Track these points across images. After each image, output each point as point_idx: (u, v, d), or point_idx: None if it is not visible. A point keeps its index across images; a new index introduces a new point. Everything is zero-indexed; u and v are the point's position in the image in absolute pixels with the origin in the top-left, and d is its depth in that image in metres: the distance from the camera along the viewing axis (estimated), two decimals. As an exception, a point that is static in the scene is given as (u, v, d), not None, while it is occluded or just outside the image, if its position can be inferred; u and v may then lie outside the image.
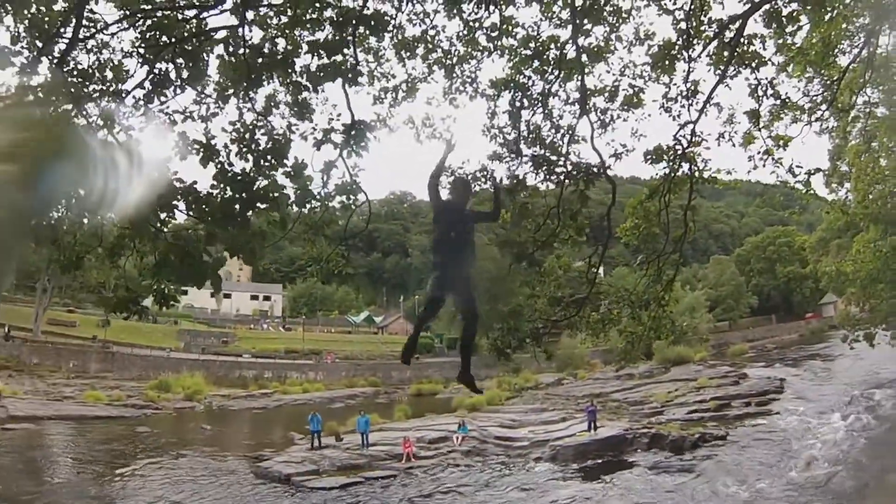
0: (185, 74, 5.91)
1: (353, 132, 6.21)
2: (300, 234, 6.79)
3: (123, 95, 6.08)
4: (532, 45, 9.49)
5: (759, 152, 10.41)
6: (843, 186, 25.04)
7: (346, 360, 63.91)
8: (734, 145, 10.53)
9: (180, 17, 6.25)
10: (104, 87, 6.24)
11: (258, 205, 5.57)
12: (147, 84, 5.80)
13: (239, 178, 5.48)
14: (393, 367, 61.38)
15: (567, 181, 9.46)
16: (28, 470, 21.13)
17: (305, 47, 6.32)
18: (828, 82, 12.13)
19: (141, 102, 5.87)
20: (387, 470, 22.18)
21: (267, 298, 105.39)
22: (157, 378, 43.30)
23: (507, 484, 20.74)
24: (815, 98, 12.27)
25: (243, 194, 5.43)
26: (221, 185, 5.43)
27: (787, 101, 10.45)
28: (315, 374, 57.17)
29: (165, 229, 5.42)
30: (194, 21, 6.27)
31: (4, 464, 21.42)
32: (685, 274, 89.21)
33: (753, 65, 9.72)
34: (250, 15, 6.21)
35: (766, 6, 9.26)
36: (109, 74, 6.28)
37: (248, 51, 6.00)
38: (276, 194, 5.59)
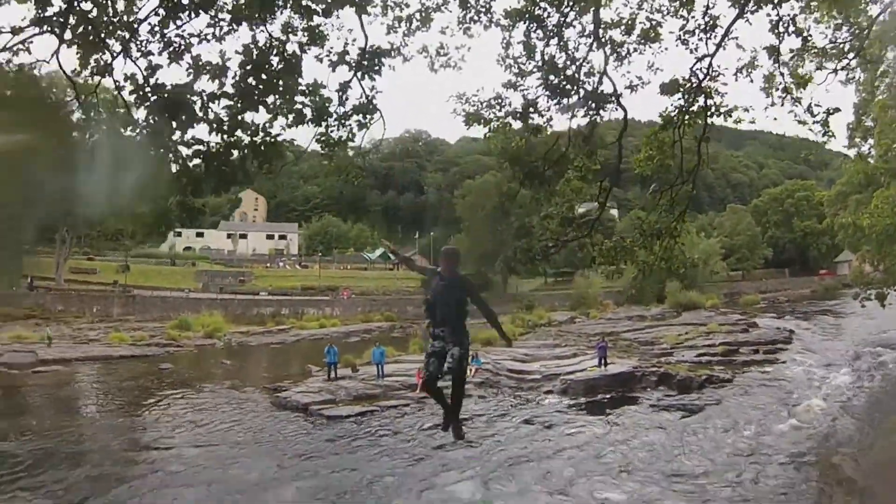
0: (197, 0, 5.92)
1: (367, 55, 6.27)
2: (321, 148, 6.83)
3: (138, 24, 6.12)
4: (548, -25, 9.30)
5: (777, 88, 10.29)
6: (866, 141, 24.56)
7: (362, 295, 64.88)
8: (752, 81, 10.41)
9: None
10: (118, 17, 6.27)
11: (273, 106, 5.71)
12: (161, 10, 5.83)
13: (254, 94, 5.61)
14: (408, 302, 62.31)
15: (579, 108, 9.46)
16: (60, 407, 22.04)
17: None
18: (856, 31, 11.75)
19: (156, 28, 5.91)
20: (401, 400, 22.79)
21: (283, 237, 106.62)
22: (178, 318, 44.33)
23: (519, 415, 21.34)
24: (841, 46, 11.91)
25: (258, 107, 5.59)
26: (238, 102, 5.56)
27: (808, 38, 10.23)
28: (331, 309, 58.16)
29: (187, 147, 5.57)
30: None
31: (38, 403, 22.32)
32: (700, 221, 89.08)
33: (775, 0, 9.50)
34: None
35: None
36: (122, 5, 6.29)
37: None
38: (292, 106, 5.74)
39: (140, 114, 5.75)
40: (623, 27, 10.04)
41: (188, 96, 5.46)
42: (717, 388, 23.31)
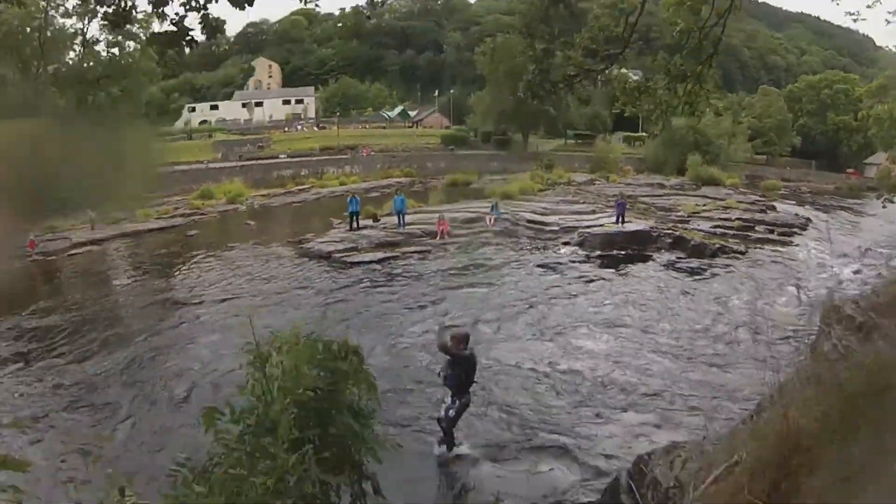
0: None
1: None
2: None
3: None
4: None
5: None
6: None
7: (382, 153, 64.85)
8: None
9: None
10: None
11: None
12: None
13: None
14: (428, 158, 62.94)
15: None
16: (98, 280, 22.69)
17: None
18: None
19: None
20: (422, 246, 23.61)
21: (299, 102, 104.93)
22: (199, 188, 44.50)
23: (534, 261, 22.09)
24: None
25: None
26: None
27: None
28: (351, 167, 58.48)
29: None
30: None
31: (76, 281, 22.86)
32: (730, 99, 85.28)
33: None
34: None
35: None
36: None
37: None
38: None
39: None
40: None
41: None
42: (728, 259, 23.34)
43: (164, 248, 27.77)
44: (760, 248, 26.35)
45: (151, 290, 20.19)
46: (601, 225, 26.59)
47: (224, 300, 17.94)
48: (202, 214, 37.91)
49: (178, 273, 22.55)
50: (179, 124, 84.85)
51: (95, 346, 14.42)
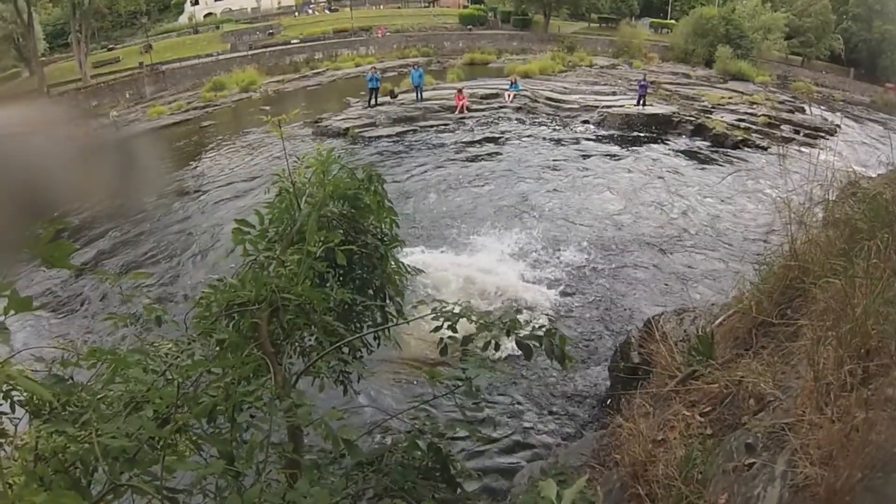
0: None
1: None
2: None
3: None
4: None
5: None
6: None
7: (398, 33, 63.00)
8: None
9: None
10: None
11: None
12: None
13: None
14: (445, 38, 61.30)
15: None
16: (113, 178, 22.97)
17: None
18: None
19: None
20: (440, 121, 23.64)
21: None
22: (210, 81, 43.54)
23: (551, 136, 22.19)
24: None
25: None
26: None
27: None
28: (366, 48, 57.25)
29: None
30: None
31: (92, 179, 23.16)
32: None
33: None
34: None
35: None
36: None
37: None
38: None
39: None
40: None
41: None
42: (750, 152, 22.79)
43: (184, 138, 27.92)
44: (784, 146, 25.67)
45: (178, 177, 20.57)
46: (621, 105, 26.11)
47: (229, 184, 18.70)
48: (216, 105, 37.53)
49: (200, 159, 22.94)
50: (183, 20, 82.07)
51: (98, 237, 15.48)
